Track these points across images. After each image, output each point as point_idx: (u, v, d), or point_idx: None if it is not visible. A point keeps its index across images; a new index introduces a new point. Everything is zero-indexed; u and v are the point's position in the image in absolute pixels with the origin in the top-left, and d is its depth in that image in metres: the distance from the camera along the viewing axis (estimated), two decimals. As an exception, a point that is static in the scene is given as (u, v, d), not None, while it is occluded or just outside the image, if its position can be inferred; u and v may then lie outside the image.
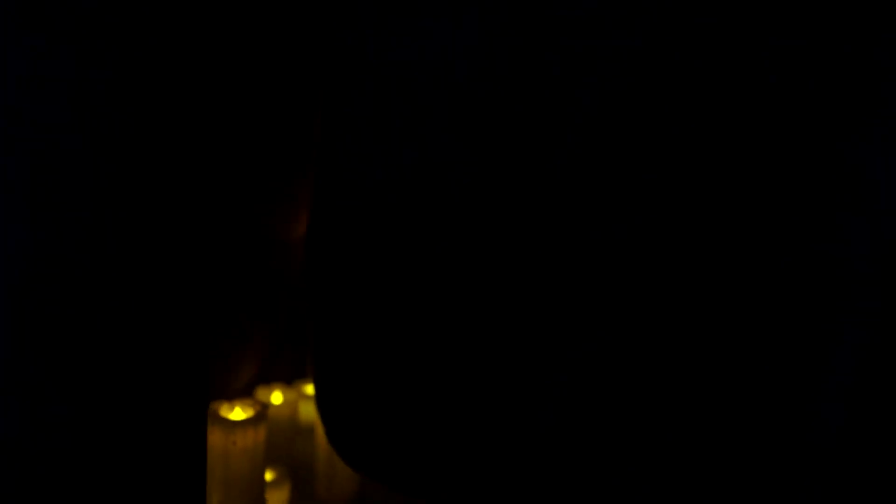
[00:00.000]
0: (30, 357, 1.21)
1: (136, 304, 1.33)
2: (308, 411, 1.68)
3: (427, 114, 0.88)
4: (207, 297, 1.56)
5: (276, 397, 1.66)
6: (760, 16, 0.76)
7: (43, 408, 1.23)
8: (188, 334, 1.43)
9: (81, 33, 1.11)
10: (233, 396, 1.66)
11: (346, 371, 1.12)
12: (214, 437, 1.24)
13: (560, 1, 0.81)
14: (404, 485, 1.08)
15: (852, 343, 0.75)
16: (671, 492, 0.86)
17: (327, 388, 1.18)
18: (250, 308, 1.69)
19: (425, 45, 0.87)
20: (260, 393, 1.66)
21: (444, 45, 0.85)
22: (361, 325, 1.07)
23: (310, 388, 1.78)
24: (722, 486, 0.85)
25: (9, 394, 1.21)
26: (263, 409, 1.26)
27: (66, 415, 1.26)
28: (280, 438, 1.65)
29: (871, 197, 0.73)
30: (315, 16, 1.61)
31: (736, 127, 0.77)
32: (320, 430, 1.57)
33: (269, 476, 1.49)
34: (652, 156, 0.80)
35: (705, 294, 0.82)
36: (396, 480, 1.09)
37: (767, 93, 0.76)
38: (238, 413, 1.26)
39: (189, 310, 1.43)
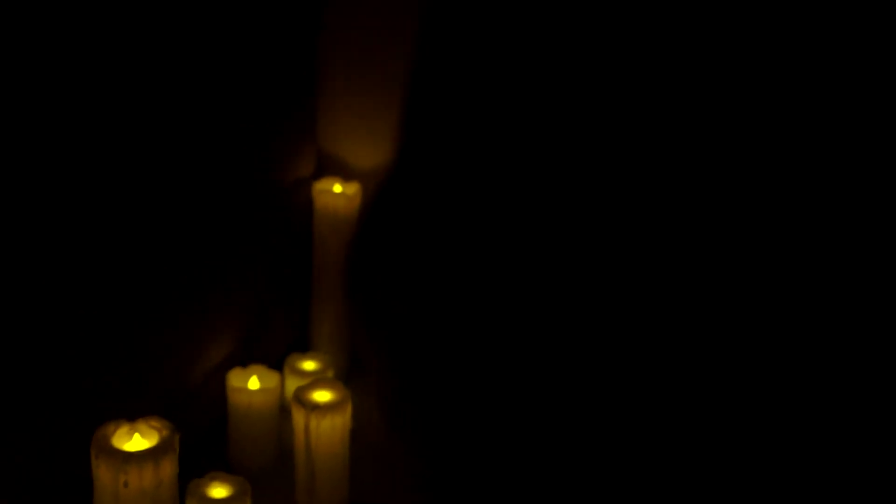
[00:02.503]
0: None
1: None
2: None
3: None
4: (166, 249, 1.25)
5: (254, 382, 1.35)
6: None
7: None
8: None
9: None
10: (200, 380, 1.36)
11: None
12: (102, 474, 0.93)
13: None
14: None
15: None
16: None
17: None
18: (229, 265, 1.38)
19: None
20: (234, 377, 1.35)
21: None
22: None
23: (307, 364, 1.46)
24: None
25: None
26: (171, 435, 0.95)
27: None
28: (251, 434, 1.34)
29: None
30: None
31: None
32: (304, 427, 1.26)
33: (222, 492, 1.19)
34: None
35: None
36: None
37: None
38: (136, 441, 0.95)
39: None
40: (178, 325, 1.30)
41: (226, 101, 1.32)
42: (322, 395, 1.29)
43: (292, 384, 1.41)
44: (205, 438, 1.37)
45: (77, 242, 1.09)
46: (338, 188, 1.47)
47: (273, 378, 1.36)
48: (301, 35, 1.47)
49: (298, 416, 1.27)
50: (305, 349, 1.53)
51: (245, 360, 1.39)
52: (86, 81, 1.06)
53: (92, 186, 1.10)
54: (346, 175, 1.52)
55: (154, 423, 0.96)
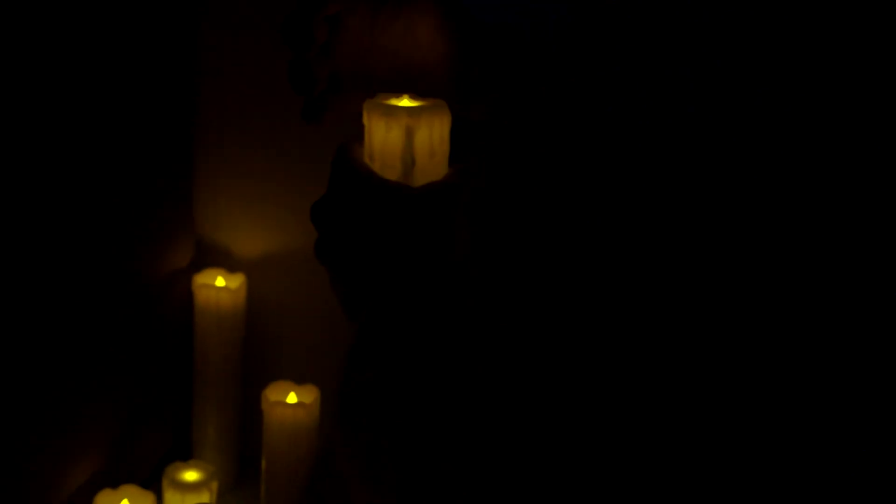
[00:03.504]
0: None
1: None
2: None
3: None
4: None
5: (125, 507, 1.20)
6: None
7: None
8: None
9: None
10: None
11: None
12: None
13: None
14: None
15: None
16: None
17: None
18: (93, 369, 1.23)
19: None
20: (103, 501, 1.20)
21: None
22: None
23: (189, 474, 1.31)
24: None
25: None
26: None
27: None
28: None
29: None
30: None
31: None
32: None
33: None
34: None
35: None
36: None
37: None
38: None
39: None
40: (35, 440, 1.15)
41: (89, 182, 1.18)
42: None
43: (173, 498, 1.27)
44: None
45: None
46: (220, 281, 1.34)
47: (146, 499, 1.21)
48: (174, 106, 1.34)
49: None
50: (187, 457, 1.38)
51: (115, 477, 1.24)
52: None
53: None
54: (229, 266, 1.38)
55: None
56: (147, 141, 1.27)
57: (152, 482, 1.33)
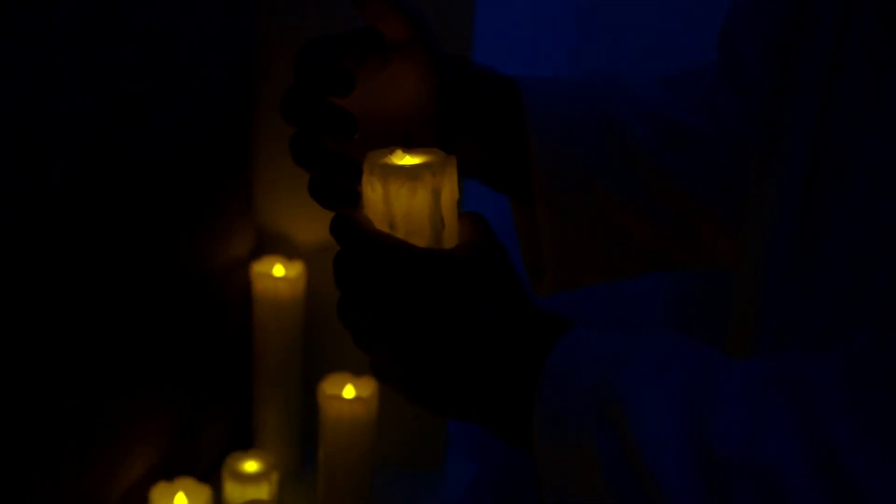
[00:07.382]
0: None
1: None
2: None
3: None
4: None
5: (180, 500, 1.19)
6: None
7: None
8: None
9: None
10: (117, 500, 1.19)
11: None
12: None
13: None
14: None
15: None
16: None
17: None
18: (153, 360, 1.22)
19: None
20: (158, 494, 1.18)
21: None
22: None
23: (249, 465, 1.30)
24: None
25: None
26: None
27: None
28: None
29: None
30: None
31: None
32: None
33: None
34: None
35: None
36: None
37: None
38: None
39: None
40: (92, 433, 1.14)
41: (145, 172, 1.15)
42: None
43: (233, 490, 1.25)
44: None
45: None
46: (279, 270, 1.31)
47: (202, 493, 1.20)
48: (232, 93, 1.30)
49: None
50: (248, 446, 1.37)
51: (175, 469, 1.23)
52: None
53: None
54: (289, 252, 1.35)
55: None
56: (204, 126, 1.25)
57: (214, 472, 1.32)
